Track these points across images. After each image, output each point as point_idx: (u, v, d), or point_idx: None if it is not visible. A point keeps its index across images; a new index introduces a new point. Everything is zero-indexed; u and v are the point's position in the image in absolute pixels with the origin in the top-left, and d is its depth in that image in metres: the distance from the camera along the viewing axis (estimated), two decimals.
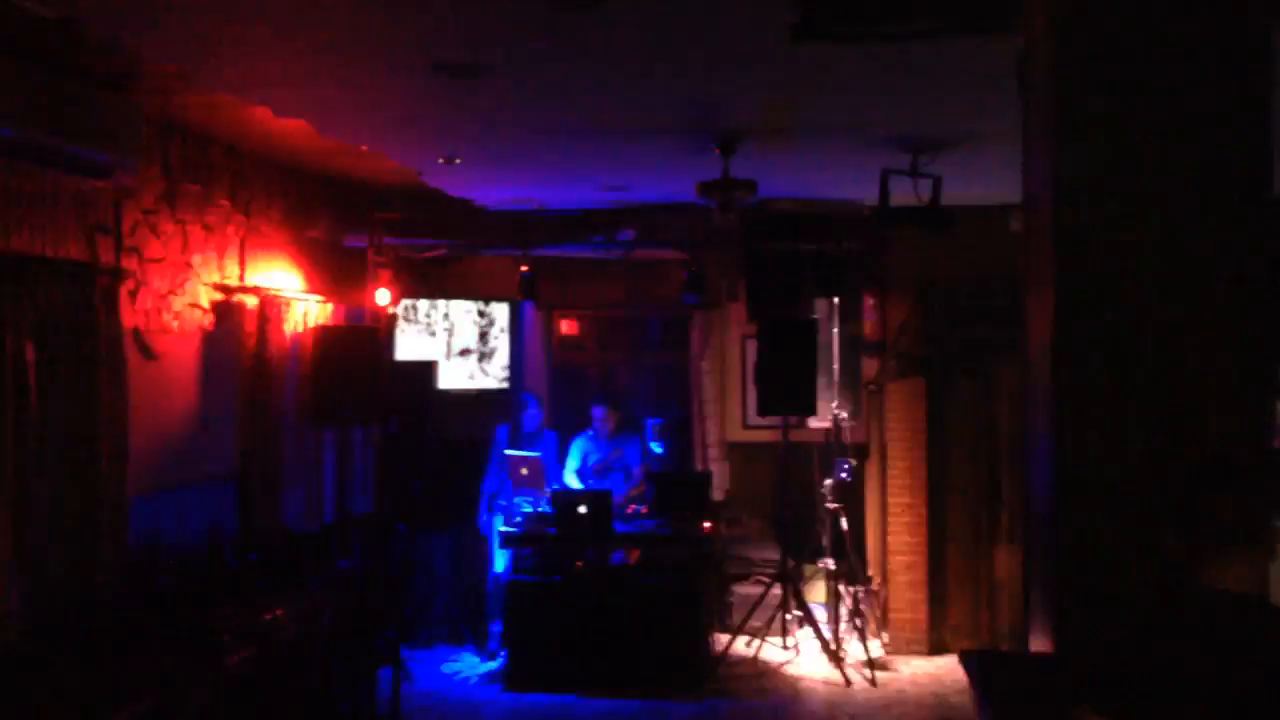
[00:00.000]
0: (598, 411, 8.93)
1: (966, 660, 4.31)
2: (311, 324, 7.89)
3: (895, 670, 8.37)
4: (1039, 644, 3.87)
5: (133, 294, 5.92)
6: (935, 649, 8.68)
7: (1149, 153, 3.48)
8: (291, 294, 7.67)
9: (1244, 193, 3.48)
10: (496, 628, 8.51)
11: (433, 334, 9.78)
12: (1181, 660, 2.55)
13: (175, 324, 6.35)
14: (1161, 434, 3.44)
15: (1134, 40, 3.47)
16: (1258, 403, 3.48)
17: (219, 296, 6.79)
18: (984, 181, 7.55)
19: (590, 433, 9.04)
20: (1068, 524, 3.48)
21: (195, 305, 6.55)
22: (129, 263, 5.87)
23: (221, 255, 6.85)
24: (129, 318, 5.83)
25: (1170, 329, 3.47)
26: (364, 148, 6.90)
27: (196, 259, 6.55)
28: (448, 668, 8.39)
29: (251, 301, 7.19)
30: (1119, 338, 3.48)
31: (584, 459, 9.03)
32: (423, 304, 9.69)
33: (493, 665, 8.34)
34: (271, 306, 7.35)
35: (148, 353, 6.11)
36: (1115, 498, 3.43)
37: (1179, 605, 2.62)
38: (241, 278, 7.08)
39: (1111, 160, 3.49)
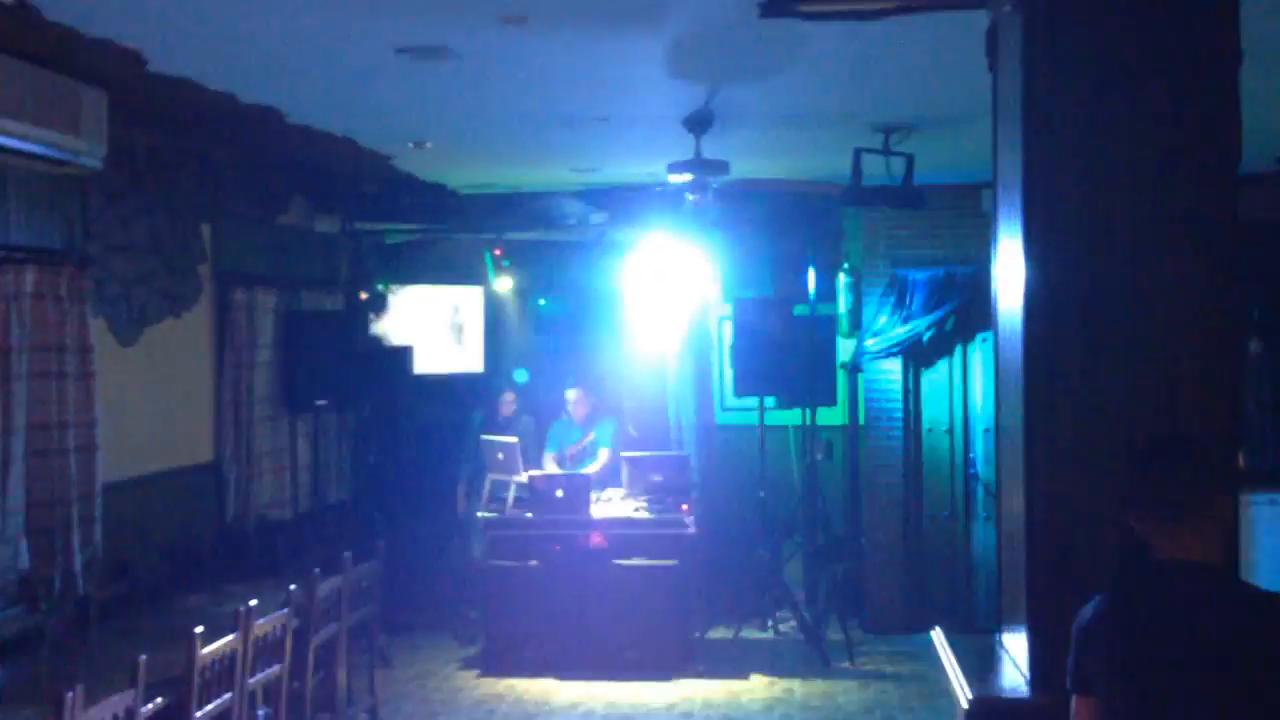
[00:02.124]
0: (570, 395, 8.90)
1: (942, 639, 4.32)
2: (283, 310, 7.84)
3: (873, 649, 8.40)
4: (1013, 620, 3.87)
5: (100, 281, 5.86)
6: (913, 627, 8.70)
7: (1119, 128, 3.47)
8: (262, 279, 7.62)
9: (1214, 166, 3.47)
10: (475, 613, 8.49)
11: None
12: (1143, 632, 2.56)
13: (144, 311, 6.29)
14: (1134, 408, 3.44)
15: (1101, 15, 3.46)
16: (1230, 375, 3.48)
17: (188, 283, 6.73)
18: (956, 160, 7.55)
19: (565, 418, 9.02)
20: (1039, 500, 3.48)
21: (164, 292, 6.49)
22: (95, 249, 5.81)
23: (190, 241, 6.78)
24: (96, 305, 5.78)
25: (1142, 302, 3.46)
26: (333, 132, 6.85)
27: (164, 245, 6.49)
28: (426, 653, 8.37)
29: (221, 288, 7.13)
30: (1090, 312, 3.48)
31: (560, 445, 9.01)
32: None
33: (471, 650, 8.32)
34: (241, 293, 7.30)
35: (117, 341, 6.06)
36: (1086, 472, 3.43)
37: (1140, 578, 2.63)
38: (211, 264, 7.02)
39: (1080, 136, 3.47)
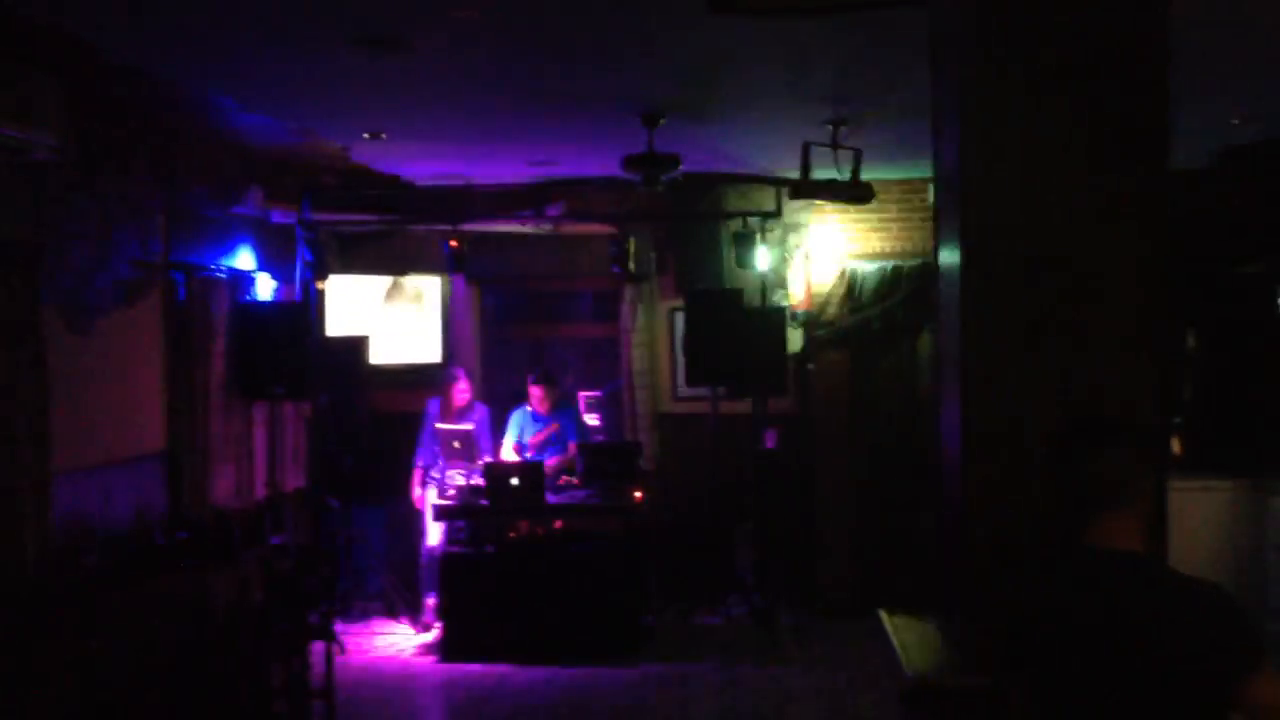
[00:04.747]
0: (535, 390, 8.93)
1: (888, 621, 4.43)
2: (239, 300, 7.85)
3: (824, 632, 8.52)
4: (952, 604, 3.98)
5: (52, 271, 5.85)
6: (864, 612, 8.82)
7: (1053, 124, 3.57)
8: (217, 269, 7.62)
9: (1145, 162, 3.58)
10: (431, 600, 8.55)
11: None
12: (1068, 620, 2.62)
13: (98, 301, 6.29)
14: (1070, 395, 3.53)
15: (1036, 14, 3.55)
16: (1165, 361, 3.58)
17: (142, 273, 6.72)
18: (905, 155, 7.67)
19: (527, 408, 9.06)
20: (974, 485, 3.58)
21: (118, 282, 6.48)
22: (47, 239, 5.80)
23: (145, 231, 6.78)
24: (48, 295, 5.77)
25: (1077, 291, 3.56)
26: (289, 124, 6.86)
27: (118, 235, 6.48)
28: (382, 641, 8.42)
29: (176, 277, 7.13)
30: (1027, 304, 3.57)
31: (521, 433, 9.06)
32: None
33: (428, 637, 8.38)
34: (196, 282, 7.30)
35: (69, 330, 6.05)
36: (1022, 458, 3.53)
37: (1068, 564, 2.70)
38: (165, 253, 7.02)
39: (1016, 132, 3.57)
